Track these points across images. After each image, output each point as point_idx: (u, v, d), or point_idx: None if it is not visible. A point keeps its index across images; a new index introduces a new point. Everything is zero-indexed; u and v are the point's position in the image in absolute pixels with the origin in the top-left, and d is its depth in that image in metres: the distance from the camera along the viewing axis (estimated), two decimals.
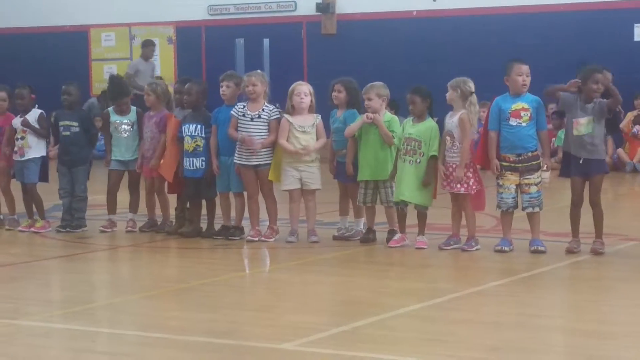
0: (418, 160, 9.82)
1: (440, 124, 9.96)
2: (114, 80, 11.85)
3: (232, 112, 10.43)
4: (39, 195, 11.43)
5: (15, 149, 11.46)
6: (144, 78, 18.50)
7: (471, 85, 9.78)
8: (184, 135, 10.72)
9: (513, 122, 9.61)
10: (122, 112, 11.33)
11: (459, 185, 9.72)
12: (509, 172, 9.64)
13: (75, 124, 11.31)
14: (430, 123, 9.88)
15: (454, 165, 9.74)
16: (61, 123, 11.36)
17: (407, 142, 9.88)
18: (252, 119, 10.38)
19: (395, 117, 10.22)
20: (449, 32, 19.94)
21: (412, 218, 10.11)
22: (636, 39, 18.97)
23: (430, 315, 7.41)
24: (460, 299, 7.82)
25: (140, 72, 19.42)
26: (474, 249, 9.74)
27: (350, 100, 10.41)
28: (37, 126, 11.33)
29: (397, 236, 10.07)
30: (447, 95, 9.79)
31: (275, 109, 10.51)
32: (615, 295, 8.21)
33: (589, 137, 9.38)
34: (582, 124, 9.39)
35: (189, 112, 10.83)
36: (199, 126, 10.66)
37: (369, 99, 10.14)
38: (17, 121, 11.50)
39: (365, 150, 10.16)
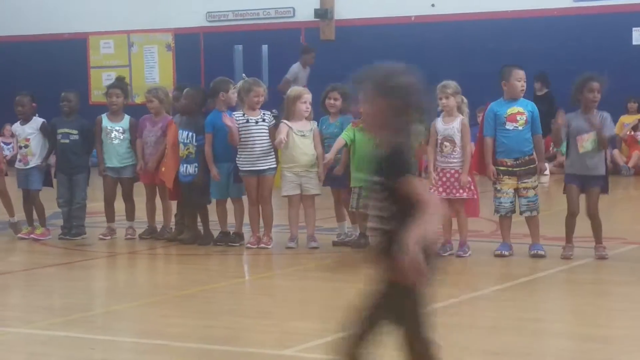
0: None
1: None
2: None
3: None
4: (41, 203, 11.45)
5: (19, 157, 11.48)
6: (300, 85, 17.65)
7: None
8: (178, 141, 10.75)
9: (510, 126, 9.62)
10: (115, 118, 11.33)
11: (461, 191, 9.72)
12: (507, 177, 9.64)
13: (75, 131, 11.31)
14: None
15: (452, 171, 9.75)
16: (60, 130, 11.36)
17: None
18: (256, 122, 10.38)
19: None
20: (448, 37, 19.96)
21: None
22: (634, 42, 18.99)
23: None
24: (459, 303, 7.82)
25: (298, 79, 18.11)
26: (467, 254, 9.74)
27: (344, 107, 10.47)
28: (41, 135, 11.36)
29: None
30: (448, 101, 9.74)
31: (271, 115, 10.55)
32: (614, 299, 8.21)
33: (593, 153, 9.34)
34: (588, 140, 9.32)
35: (184, 119, 10.84)
36: (190, 133, 10.65)
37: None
38: (17, 127, 11.54)
39: (358, 156, 10.17)
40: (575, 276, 9.03)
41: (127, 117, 11.42)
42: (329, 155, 10.11)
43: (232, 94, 10.61)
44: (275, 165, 10.44)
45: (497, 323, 7.26)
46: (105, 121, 11.38)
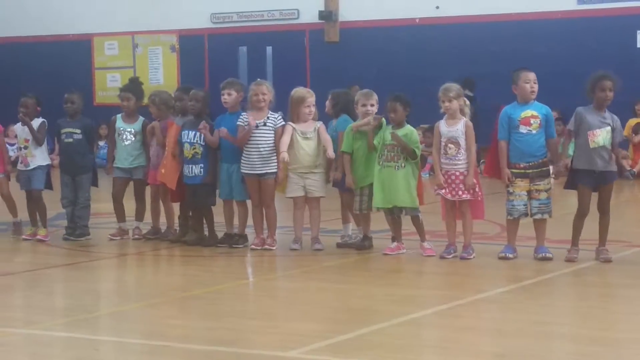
0: (403, 165, 9.84)
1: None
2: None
3: (238, 122, 10.40)
4: (44, 203, 11.44)
5: (20, 158, 11.47)
6: None
7: None
8: (182, 141, 10.71)
9: (523, 129, 9.56)
10: (129, 119, 11.35)
11: (467, 193, 9.68)
12: (519, 179, 9.58)
13: (78, 131, 11.32)
14: (409, 128, 9.90)
15: (457, 173, 9.72)
16: (63, 130, 11.36)
17: (389, 148, 9.88)
18: (257, 127, 10.38)
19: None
20: (452, 40, 19.97)
21: (411, 226, 10.10)
22: (639, 45, 18.98)
23: (433, 323, 7.41)
24: (464, 306, 7.81)
25: None
26: (472, 256, 9.71)
27: (337, 108, 10.50)
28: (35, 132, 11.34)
29: (393, 244, 10.05)
30: (451, 104, 9.72)
31: (280, 117, 10.52)
32: (620, 302, 8.19)
33: (605, 148, 9.34)
34: (599, 135, 9.31)
35: (189, 119, 10.82)
36: (197, 133, 10.64)
37: (372, 105, 10.18)
38: (17, 127, 11.54)
39: (357, 158, 10.15)
40: (580, 279, 9.01)
41: (140, 119, 11.40)
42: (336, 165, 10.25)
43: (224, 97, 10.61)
44: (273, 170, 10.38)
45: (502, 325, 7.25)
46: (119, 122, 11.40)
